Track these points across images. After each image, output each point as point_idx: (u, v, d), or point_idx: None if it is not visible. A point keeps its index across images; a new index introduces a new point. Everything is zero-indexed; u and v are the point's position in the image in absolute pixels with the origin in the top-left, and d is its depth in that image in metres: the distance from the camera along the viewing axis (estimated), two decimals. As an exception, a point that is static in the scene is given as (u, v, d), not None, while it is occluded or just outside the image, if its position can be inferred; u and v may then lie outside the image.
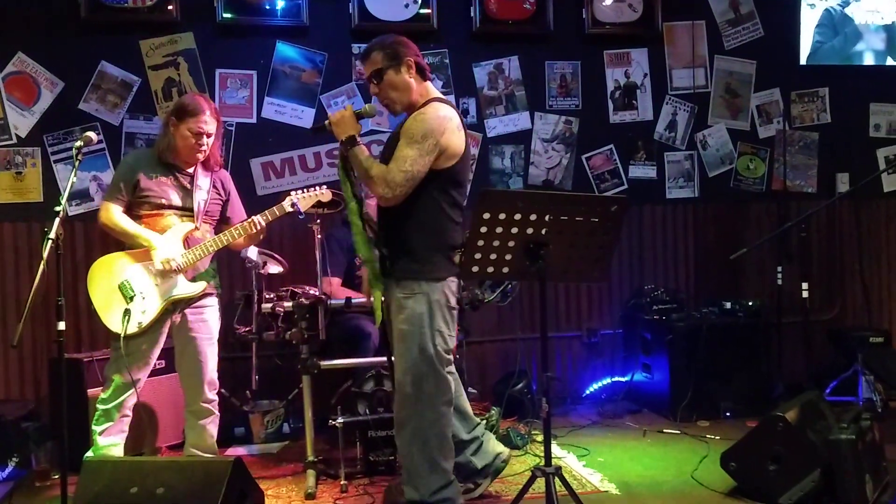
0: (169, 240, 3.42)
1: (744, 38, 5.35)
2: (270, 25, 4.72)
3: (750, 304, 4.77)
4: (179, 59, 4.64)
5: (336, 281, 4.26)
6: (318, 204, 3.62)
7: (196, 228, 3.49)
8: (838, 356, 4.88)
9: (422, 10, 4.82)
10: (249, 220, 3.51)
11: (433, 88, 3.15)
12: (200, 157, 3.49)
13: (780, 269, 4.72)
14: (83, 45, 4.53)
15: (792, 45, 5.32)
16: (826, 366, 4.89)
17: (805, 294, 4.50)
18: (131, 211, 3.47)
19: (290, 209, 3.54)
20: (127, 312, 3.34)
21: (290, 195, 3.58)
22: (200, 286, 3.48)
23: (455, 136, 2.98)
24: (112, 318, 3.36)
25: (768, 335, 4.77)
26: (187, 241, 3.47)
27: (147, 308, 3.38)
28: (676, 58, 5.28)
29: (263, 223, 3.52)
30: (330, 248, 4.18)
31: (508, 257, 2.75)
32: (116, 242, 3.63)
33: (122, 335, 3.30)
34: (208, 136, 3.46)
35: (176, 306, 3.45)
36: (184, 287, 3.45)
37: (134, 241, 3.42)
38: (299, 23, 4.72)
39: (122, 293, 3.38)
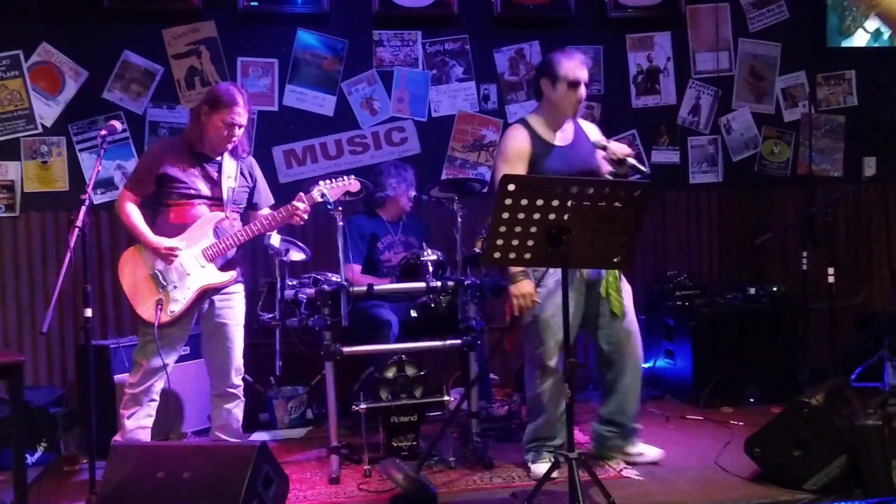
0: (166, 243, 3.44)
1: (768, 21, 5.28)
2: (291, 13, 4.73)
3: (774, 289, 4.72)
4: (201, 47, 4.67)
5: (356, 268, 4.27)
6: (346, 193, 3.64)
7: (225, 217, 3.52)
8: (864, 342, 4.83)
9: (442, -4, 4.80)
10: (284, 208, 3.55)
11: None
12: (230, 146, 3.52)
13: (805, 254, 4.67)
14: (106, 34, 4.56)
15: (817, 27, 5.24)
16: (852, 351, 4.84)
17: (831, 279, 4.45)
18: (160, 201, 3.50)
19: (320, 199, 3.56)
20: (160, 301, 3.38)
21: (318, 185, 3.59)
22: (231, 274, 3.52)
23: None
24: (144, 307, 3.41)
25: (793, 321, 4.72)
26: (216, 231, 3.51)
27: (180, 297, 3.42)
28: (700, 41, 5.22)
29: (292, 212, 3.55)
30: (350, 235, 4.19)
31: (531, 243, 2.74)
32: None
33: (156, 324, 3.35)
34: (240, 126, 3.48)
35: (206, 294, 3.49)
36: (215, 276, 3.48)
37: (137, 238, 3.46)
38: (320, 10, 4.72)
39: (155, 282, 3.42)
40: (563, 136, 3.46)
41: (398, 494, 3.20)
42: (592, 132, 3.57)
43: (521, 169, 3.31)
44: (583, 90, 3.38)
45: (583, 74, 3.35)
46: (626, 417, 3.53)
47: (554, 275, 3.20)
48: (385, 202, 4.40)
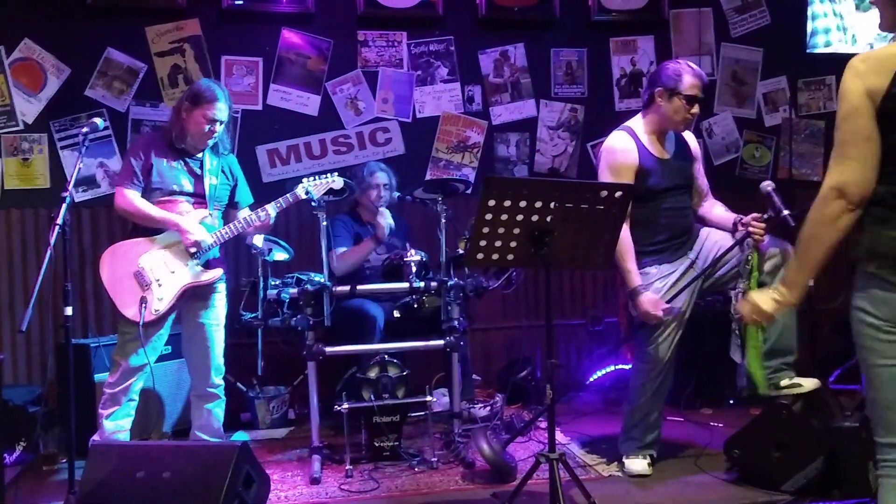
0: (193, 221, 3.45)
1: (750, 26, 5.33)
2: (276, 12, 4.72)
3: (755, 292, 4.74)
4: (185, 45, 4.65)
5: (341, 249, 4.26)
6: (329, 191, 3.65)
7: (209, 214, 3.52)
8: (843, 345, 4.86)
9: (427, -3, 4.81)
10: (265, 207, 3.54)
11: None
12: (210, 142, 3.52)
13: (785, 257, 4.69)
14: (89, 31, 4.53)
15: (799, 33, 5.29)
16: (831, 354, 4.88)
17: (810, 283, 4.48)
18: (143, 197, 3.48)
19: (305, 196, 3.56)
20: (144, 300, 3.37)
21: (302, 182, 3.60)
22: (216, 272, 3.51)
23: None
24: (127, 305, 3.39)
25: (773, 324, 4.75)
26: None
27: (164, 295, 3.41)
28: (683, 45, 5.26)
29: (276, 211, 3.55)
30: (335, 230, 4.20)
31: (513, 244, 2.75)
32: (123, 229, 3.64)
33: (140, 323, 3.33)
34: (221, 123, 3.49)
35: (189, 292, 3.48)
36: (199, 274, 3.47)
37: (160, 225, 3.42)
38: (305, 9, 4.72)
39: (138, 280, 3.40)
40: (665, 148, 3.44)
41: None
42: (692, 141, 3.59)
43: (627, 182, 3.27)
44: (697, 107, 3.35)
45: (700, 91, 3.33)
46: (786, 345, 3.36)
47: (656, 275, 3.34)
48: (357, 203, 4.41)
